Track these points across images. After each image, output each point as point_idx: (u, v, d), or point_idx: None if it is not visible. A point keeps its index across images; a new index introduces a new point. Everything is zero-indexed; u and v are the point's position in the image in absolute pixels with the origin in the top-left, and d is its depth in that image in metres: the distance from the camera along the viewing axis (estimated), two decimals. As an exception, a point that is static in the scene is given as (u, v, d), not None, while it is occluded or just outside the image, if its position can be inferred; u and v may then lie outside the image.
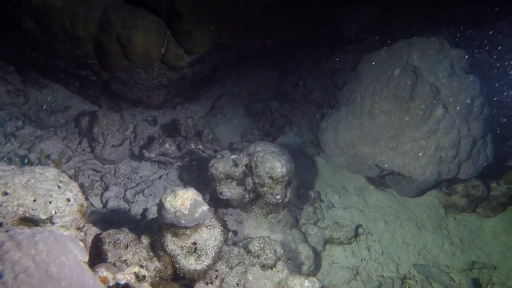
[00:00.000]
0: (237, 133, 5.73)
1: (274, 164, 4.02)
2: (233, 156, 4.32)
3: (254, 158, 4.13)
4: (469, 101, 4.05)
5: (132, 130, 5.70)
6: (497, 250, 4.84)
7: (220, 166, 4.24)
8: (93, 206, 4.72)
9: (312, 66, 6.85)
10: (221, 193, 4.25)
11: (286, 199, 4.29)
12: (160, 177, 5.14)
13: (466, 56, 4.32)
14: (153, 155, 5.02)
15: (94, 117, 5.24)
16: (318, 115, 5.85)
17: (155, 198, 4.94)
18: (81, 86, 5.54)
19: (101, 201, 4.78)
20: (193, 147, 5.08)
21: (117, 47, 4.51)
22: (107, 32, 4.44)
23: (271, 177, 4.04)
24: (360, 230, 4.87)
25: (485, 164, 4.33)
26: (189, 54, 4.72)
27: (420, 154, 4.15)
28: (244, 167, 4.25)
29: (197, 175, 5.00)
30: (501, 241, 4.90)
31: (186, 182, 5.04)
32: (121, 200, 4.84)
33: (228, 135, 5.72)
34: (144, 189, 4.96)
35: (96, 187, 4.98)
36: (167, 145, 5.07)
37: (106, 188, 4.90)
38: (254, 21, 4.74)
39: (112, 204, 4.72)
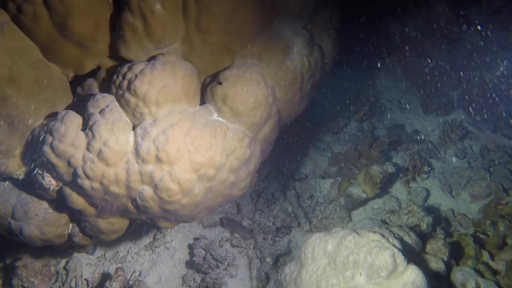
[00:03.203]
0: (178, 274, 5.03)
1: None
2: None
3: None
4: None
5: (64, 266, 5.15)
6: None
7: None
8: None
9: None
10: None
11: None
12: None
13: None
14: (71, 323, 4.46)
15: (12, 268, 4.71)
16: (269, 259, 5.00)
17: None
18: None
19: None
20: (119, 313, 4.48)
21: None
22: None
23: None
24: None
25: None
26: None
27: None
28: None
29: None
30: None
31: None
32: None
33: (168, 275, 5.03)
34: None
35: None
36: (88, 312, 4.50)
37: None
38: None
39: None
